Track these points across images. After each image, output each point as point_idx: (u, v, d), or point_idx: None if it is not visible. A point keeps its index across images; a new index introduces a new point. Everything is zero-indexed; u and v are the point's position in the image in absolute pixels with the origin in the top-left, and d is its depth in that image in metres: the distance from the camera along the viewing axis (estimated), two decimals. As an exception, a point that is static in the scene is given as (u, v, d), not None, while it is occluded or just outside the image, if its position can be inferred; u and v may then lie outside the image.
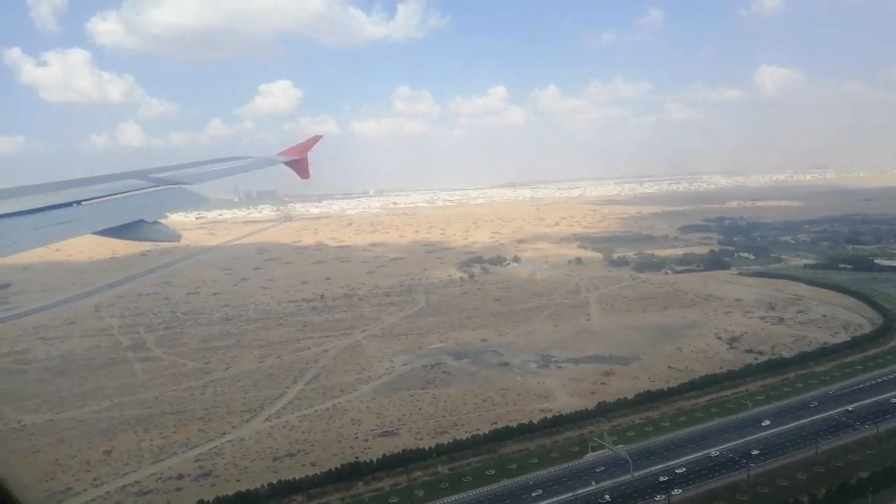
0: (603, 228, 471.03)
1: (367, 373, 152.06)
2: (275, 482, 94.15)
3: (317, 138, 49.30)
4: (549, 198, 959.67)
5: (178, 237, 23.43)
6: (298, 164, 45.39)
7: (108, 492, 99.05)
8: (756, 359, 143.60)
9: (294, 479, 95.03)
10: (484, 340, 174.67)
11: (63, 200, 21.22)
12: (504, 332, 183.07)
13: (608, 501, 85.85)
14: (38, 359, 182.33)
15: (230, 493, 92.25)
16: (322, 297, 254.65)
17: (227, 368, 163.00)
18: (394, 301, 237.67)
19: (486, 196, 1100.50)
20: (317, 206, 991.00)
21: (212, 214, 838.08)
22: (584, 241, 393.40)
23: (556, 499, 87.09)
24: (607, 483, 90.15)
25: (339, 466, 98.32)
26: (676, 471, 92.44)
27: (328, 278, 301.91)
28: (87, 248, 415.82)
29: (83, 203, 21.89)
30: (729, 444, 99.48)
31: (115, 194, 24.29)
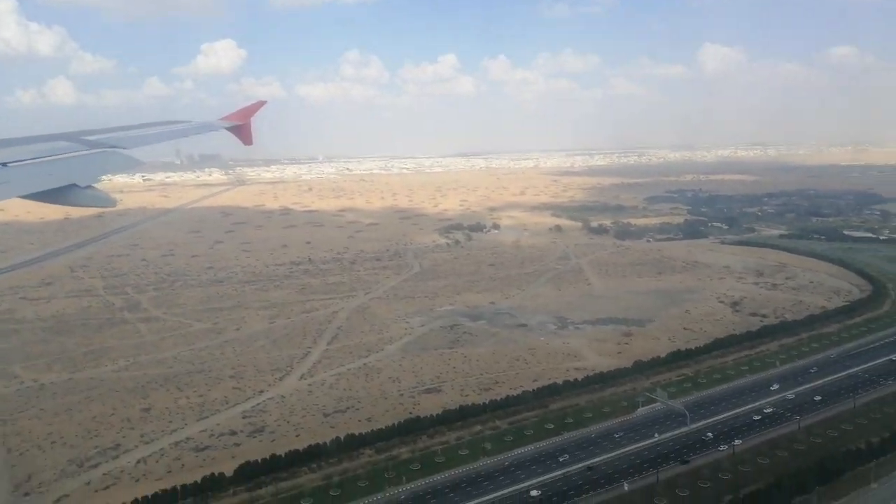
0: (570, 198, 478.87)
1: (387, 333, 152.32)
2: (341, 437, 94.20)
3: (260, 103, 47.89)
4: (504, 168, 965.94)
5: (113, 202, 22.60)
6: (241, 129, 43.96)
7: (161, 448, 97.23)
8: (761, 321, 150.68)
9: (359, 433, 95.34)
10: (492, 303, 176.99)
11: None
12: (509, 295, 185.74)
13: (674, 450, 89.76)
14: (28, 319, 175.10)
15: (291, 448, 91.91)
16: (310, 260, 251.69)
17: (237, 329, 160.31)
18: (386, 265, 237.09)
19: (441, 165, 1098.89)
20: (268, 171, 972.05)
21: (159, 177, 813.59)
22: (556, 209, 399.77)
23: (624, 450, 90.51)
24: (668, 435, 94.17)
25: (401, 421, 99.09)
26: (730, 423, 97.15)
27: (308, 242, 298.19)
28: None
29: (9, 165, 21.15)
30: (771, 399, 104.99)
31: (45, 157, 23.59)
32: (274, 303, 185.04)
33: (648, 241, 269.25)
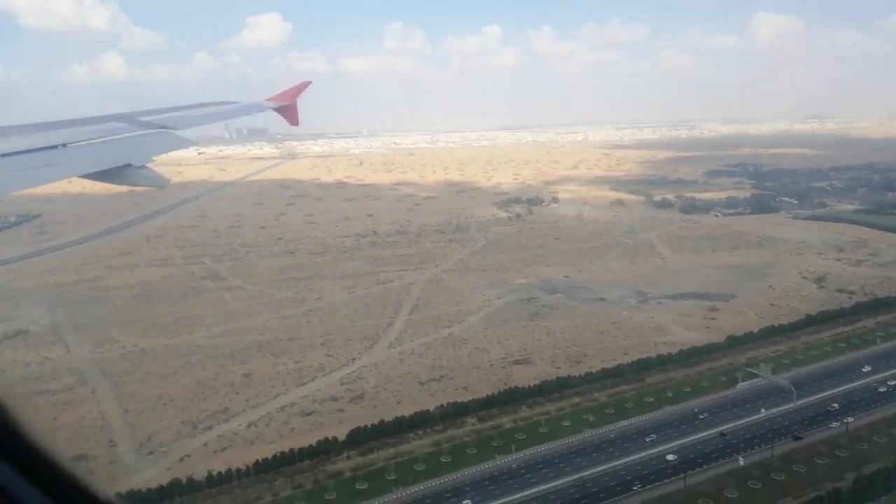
0: (626, 172, 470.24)
1: (465, 305, 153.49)
2: (444, 404, 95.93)
3: (305, 84, 48.15)
4: (551, 141, 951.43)
5: (166, 182, 23.03)
6: (287, 109, 44.65)
7: (268, 412, 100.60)
8: (850, 297, 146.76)
9: (461, 401, 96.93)
10: (566, 277, 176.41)
11: (49, 143, 21.02)
12: (582, 269, 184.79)
13: (783, 426, 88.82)
14: (116, 287, 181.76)
15: (393, 414, 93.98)
16: (375, 232, 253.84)
17: (319, 299, 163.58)
18: (452, 238, 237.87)
19: (487, 138, 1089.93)
20: (317, 145, 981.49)
21: (212, 150, 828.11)
22: (614, 183, 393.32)
23: (730, 425, 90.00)
24: (774, 411, 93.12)
25: (501, 391, 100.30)
26: (839, 400, 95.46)
27: (370, 215, 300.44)
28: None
29: (69, 146, 21.71)
30: (879, 376, 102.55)
31: (101, 138, 24.08)
32: (349, 274, 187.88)
33: (716, 215, 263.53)
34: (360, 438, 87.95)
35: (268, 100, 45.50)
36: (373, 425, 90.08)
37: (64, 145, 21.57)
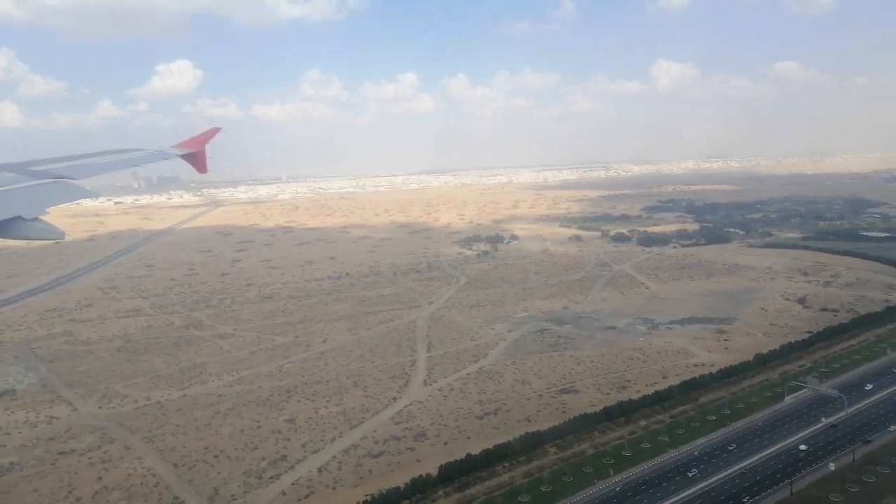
0: (566, 210, 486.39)
1: (479, 340, 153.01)
2: (523, 433, 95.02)
3: (215, 130, 47.38)
4: (477, 184, 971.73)
5: (61, 234, 21.46)
6: (195, 156, 43.73)
7: (332, 456, 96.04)
8: (835, 315, 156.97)
9: (539, 430, 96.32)
10: (566, 308, 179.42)
11: None
12: (575, 300, 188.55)
13: (847, 432, 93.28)
14: (94, 340, 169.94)
15: (465, 449, 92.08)
16: (348, 274, 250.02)
17: (324, 342, 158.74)
18: (430, 276, 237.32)
19: (414, 182, 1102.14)
20: (239, 192, 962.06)
21: (128, 200, 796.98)
22: (561, 221, 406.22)
23: (800, 434, 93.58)
24: (832, 419, 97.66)
25: (569, 419, 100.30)
26: (888, 406, 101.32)
27: (333, 258, 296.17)
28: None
29: None
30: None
31: None
32: (342, 315, 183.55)
33: (675, 246, 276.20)
34: (452, 474, 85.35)
35: (174, 146, 44.76)
36: (460, 460, 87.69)
37: None
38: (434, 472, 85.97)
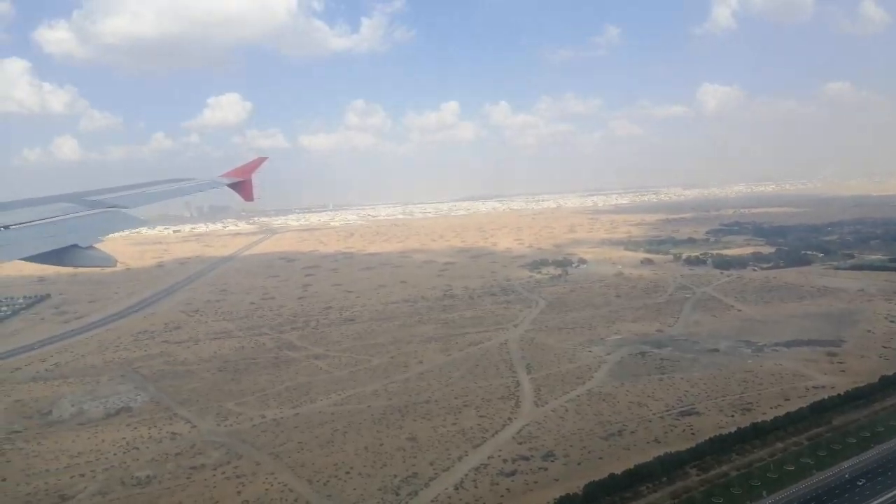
0: (627, 234, 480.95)
1: (579, 362, 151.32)
2: (660, 454, 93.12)
3: (262, 160, 48.21)
4: (526, 209, 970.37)
5: (113, 262, 22.62)
6: (242, 185, 44.61)
7: (465, 474, 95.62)
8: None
9: (675, 451, 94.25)
10: (660, 331, 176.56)
11: None
12: (668, 323, 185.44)
13: None
14: (191, 361, 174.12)
15: (599, 469, 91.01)
16: (424, 298, 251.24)
17: (420, 363, 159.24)
18: (508, 300, 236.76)
19: (462, 208, 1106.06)
20: (291, 220, 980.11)
21: (185, 229, 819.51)
22: (626, 244, 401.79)
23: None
24: None
25: (707, 440, 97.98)
26: None
27: (403, 281, 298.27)
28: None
29: (11, 227, 21.50)
30: None
31: (46, 218, 23.97)
32: (430, 337, 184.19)
33: (754, 269, 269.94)
34: (596, 494, 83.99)
35: (222, 175, 45.34)
36: (603, 480, 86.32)
37: (6, 227, 21.20)
38: (576, 491, 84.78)
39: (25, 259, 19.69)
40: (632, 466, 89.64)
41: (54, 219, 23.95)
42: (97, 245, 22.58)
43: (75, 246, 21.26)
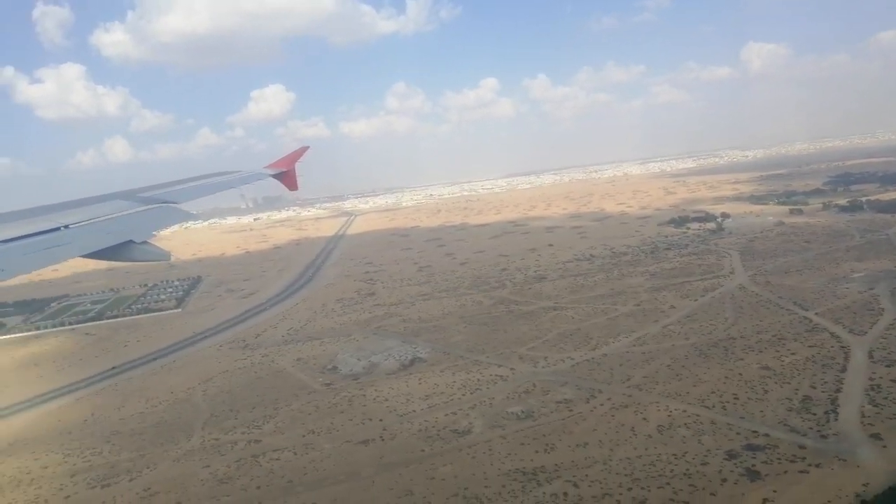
0: (735, 191, 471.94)
1: (849, 298, 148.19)
2: None
3: (304, 149, 48.70)
4: (595, 179, 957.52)
5: (168, 256, 22.88)
6: (286, 175, 45.38)
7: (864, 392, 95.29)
8: None
9: None
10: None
11: (50, 226, 21.41)
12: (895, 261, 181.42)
13: None
14: (428, 318, 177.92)
15: None
16: (592, 255, 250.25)
17: (672, 307, 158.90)
18: (691, 252, 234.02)
19: (522, 183, 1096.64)
20: (363, 203, 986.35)
21: (264, 216, 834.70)
22: (749, 199, 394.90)
23: None
24: None
25: None
26: None
27: (551, 245, 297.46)
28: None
29: (71, 227, 21.95)
30: None
31: (102, 216, 24.37)
32: (651, 287, 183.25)
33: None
34: None
35: (266, 167, 46.41)
36: None
37: (66, 227, 21.73)
38: None
39: (85, 256, 20.18)
40: None
41: (109, 216, 24.50)
42: (151, 240, 22.99)
43: (130, 241, 21.76)
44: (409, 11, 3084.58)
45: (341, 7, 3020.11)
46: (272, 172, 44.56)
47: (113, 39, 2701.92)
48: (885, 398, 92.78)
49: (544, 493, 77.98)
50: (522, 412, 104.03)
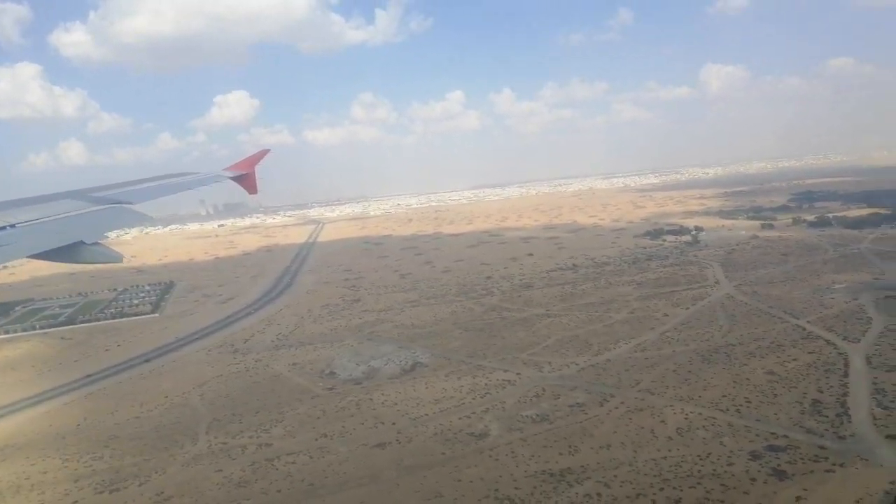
0: (702, 206, 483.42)
1: (836, 308, 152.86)
2: None
3: (264, 152, 48.08)
4: (560, 192, 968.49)
5: (120, 258, 22.32)
6: (245, 178, 44.40)
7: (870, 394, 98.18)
8: None
9: None
10: (877, 279, 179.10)
11: None
12: (873, 273, 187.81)
13: None
14: (421, 324, 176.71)
15: None
16: (575, 266, 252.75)
17: (666, 315, 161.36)
18: (671, 263, 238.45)
19: (488, 195, 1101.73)
20: (322, 212, 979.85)
21: (228, 223, 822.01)
22: (718, 214, 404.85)
23: None
24: None
25: None
26: None
27: (531, 254, 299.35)
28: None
29: (17, 226, 21.33)
30: None
31: (52, 216, 23.67)
32: (640, 296, 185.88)
33: (891, 227, 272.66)
34: None
35: (225, 169, 45.15)
36: None
37: (12, 226, 21.08)
38: None
39: (32, 256, 19.65)
40: None
41: (59, 216, 23.66)
42: (103, 241, 22.36)
43: (81, 242, 21.05)
44: (378, 22, 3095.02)
45: (311, 14, 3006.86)
46: (231, 175, 42.99)
47: (73, 39, 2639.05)
48: (893, 402, 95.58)
49: (577, 493, 77.90)
50: (537, 415, 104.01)
